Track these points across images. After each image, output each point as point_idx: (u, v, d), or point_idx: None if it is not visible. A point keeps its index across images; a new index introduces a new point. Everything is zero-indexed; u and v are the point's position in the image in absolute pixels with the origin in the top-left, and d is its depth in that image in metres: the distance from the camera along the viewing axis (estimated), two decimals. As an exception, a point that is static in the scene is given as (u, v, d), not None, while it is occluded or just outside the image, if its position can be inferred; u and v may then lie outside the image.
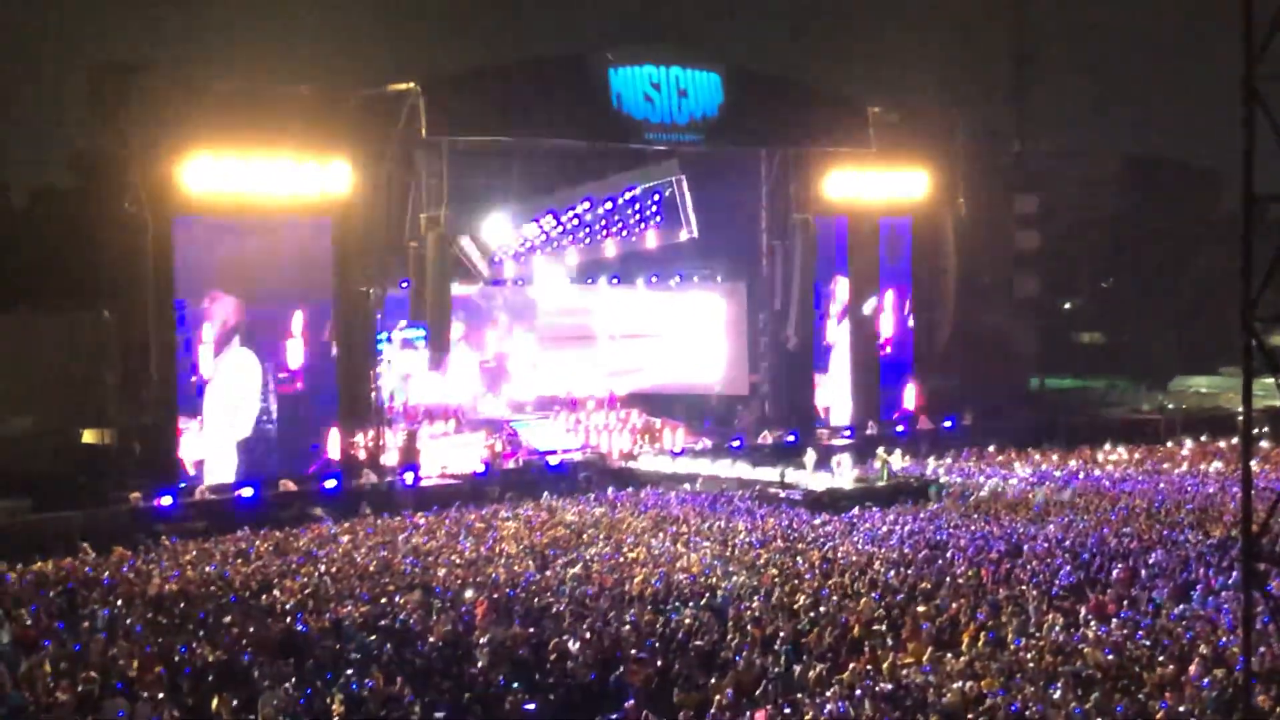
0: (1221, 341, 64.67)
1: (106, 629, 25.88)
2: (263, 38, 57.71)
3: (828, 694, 21.46)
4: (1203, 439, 54.82)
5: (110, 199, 42.00)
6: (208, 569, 31.65)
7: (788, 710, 20.68)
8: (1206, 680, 20.60)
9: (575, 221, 51.49)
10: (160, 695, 21.79)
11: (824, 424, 56.66)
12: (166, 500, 40.39)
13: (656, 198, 51.99)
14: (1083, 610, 26.27)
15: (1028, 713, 19.97)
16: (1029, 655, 23.03)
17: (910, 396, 59.46)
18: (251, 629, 25.52)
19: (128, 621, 26.37)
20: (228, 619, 26.25)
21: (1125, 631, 24.23)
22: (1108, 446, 52.56)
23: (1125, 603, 26.84)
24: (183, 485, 41.75)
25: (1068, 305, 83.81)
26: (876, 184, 56.44)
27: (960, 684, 21.40)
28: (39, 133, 55.79)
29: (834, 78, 61.26)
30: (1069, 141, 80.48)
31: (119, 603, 27.97)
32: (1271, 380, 16.77)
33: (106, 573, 31.40)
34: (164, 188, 41.49)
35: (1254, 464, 45.25)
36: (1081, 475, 45.76)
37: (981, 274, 63.37)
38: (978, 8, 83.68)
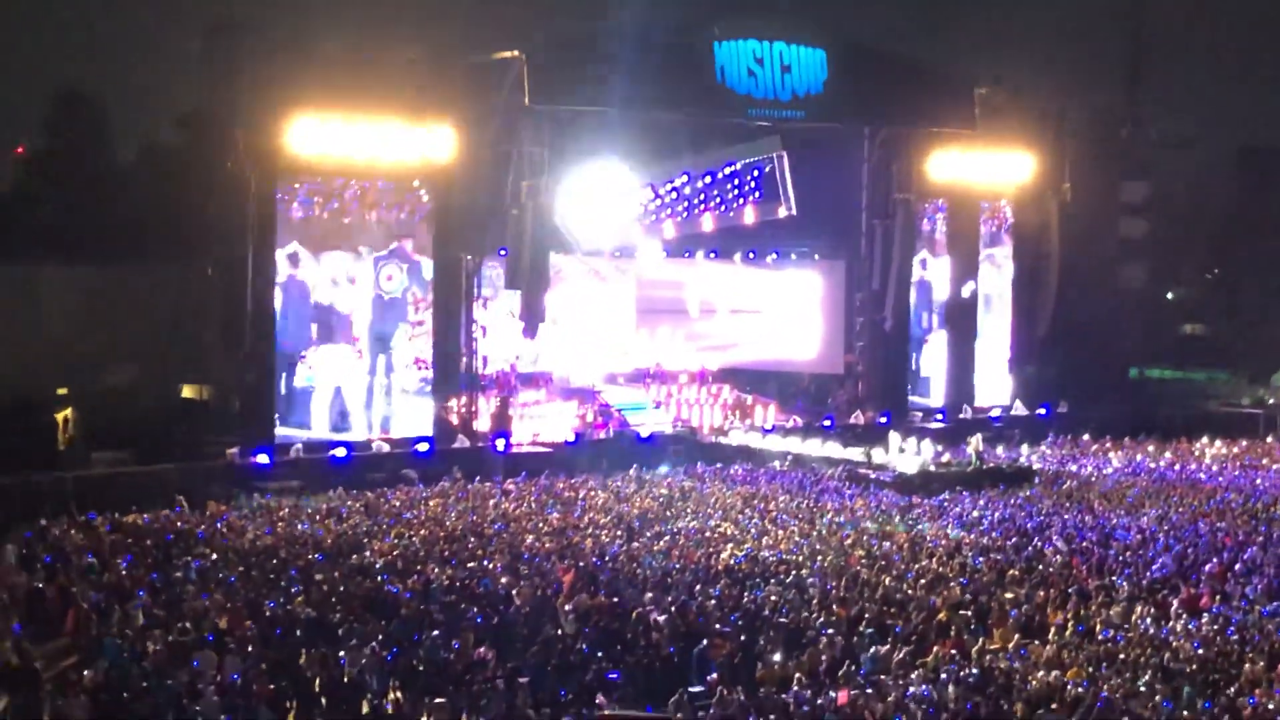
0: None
1: (199, 582, 26.30)
2: (371, 1, 57.98)
3: (911, 677, 21.39)
4: (1304, 435, 53.93)
5: (216, 158, 42.47)
6: (300, 526, 32.05)
7: (870, 691, 20.62)
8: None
9: (674, 195, 51.42)
10: (249, 648, 22.12)
11: (917, 406, 56.27)
12: (262, 457, 40.86)
13: (756, 173, 51.78)
14: (1174, 603, 25.95)
15: (1114, 704, 19.79)
16: (1117, 646, 22.81)
17: (1007, 382, 58.84)
18: (341, 587, 25.81)
19: (220, 575, 26.78)
20: (318, 576, 26.56)
21: (1216, 626, 23.94)
22: (1205, 440, 51.78)
23: (1218, 597, 26.50)
24: (278, 443, 42.22)
25: (1171, 295, 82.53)
26: (980, 166, 55.77)
27: (1046, 672, 21.26)
28: (149, 90, 56.48)
29: (941, 57, 60.46)
30: (1181, 129, 79.08)
31: (212, 556, 28.40)
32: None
33: (201, 526, 31.89)
34: (269, 148, 41.85)
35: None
36: (1177, 467, 45.17)
37: (1085, 261, 62.53)
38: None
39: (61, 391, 43.93)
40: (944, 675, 21.16)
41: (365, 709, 20.28)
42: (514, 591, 25.80)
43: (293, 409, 43.54)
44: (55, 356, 44.01)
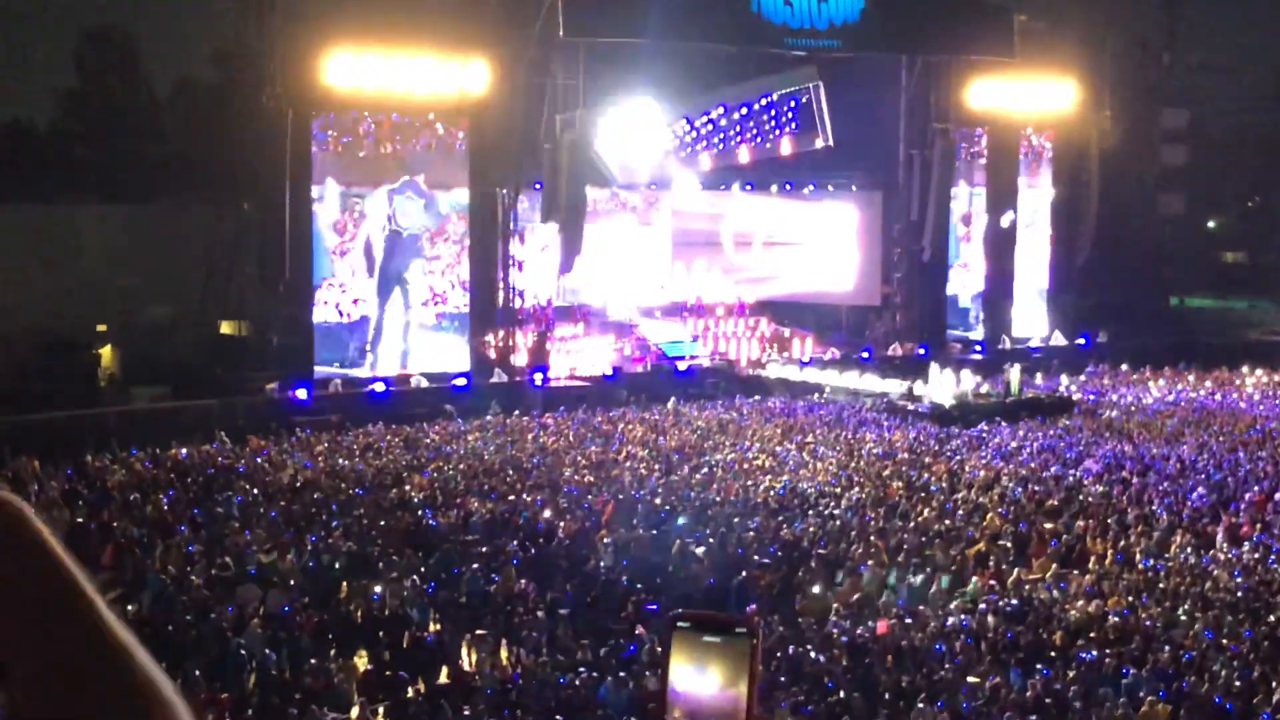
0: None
1: (240, 516, 26.50)
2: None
3: (951, 607, 21.41)
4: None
5: (251, 93, 42.45)
6: (340, 461, 32.23)
7: (910, 621, 20.66)
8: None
9: (709, 127, 51.12)
10: (291, 582, 22.29)
11: (955, 338, 56.09)
12: (301, 393, 41.03)
13: (793, 104, 51.39)
14: (1218, 532, 25.86)
15: (1154, 632, 19.78)
16: (1157, 576, 22.78)
17: (1045, 312, 58.57)
18: (381, 521, 25.97)
19: (261, 510, 26.97)
20: (358, 510, 26.73)
21: (1257, 555, 23.86)
22: (1246, 368, 51.48)
23: (1259, 526, 26.40)
24: (316, 378, 42.38)
25: (1212, 224, 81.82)
26: (1020, 94, 55.26)
27: (1086, 602, 21.25)
28: (183, 25, 56.36)
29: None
30: (1221, 56, 78.13)
31: (253, 491, 28.59)
32: None
33: (241, 461, 32.11)
34: (304, 83, 41.79)
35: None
36: (1218, 396, 44.94)
37: (1124, 189, 62.01)
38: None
39: (101, 328, 44.22)
40: (983, 605, 21.18)
41: (406, 641, 20.44)
42: (554, 524, 25.93)
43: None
44: (93, 294, 44.23)
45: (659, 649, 2.99)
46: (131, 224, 46.83)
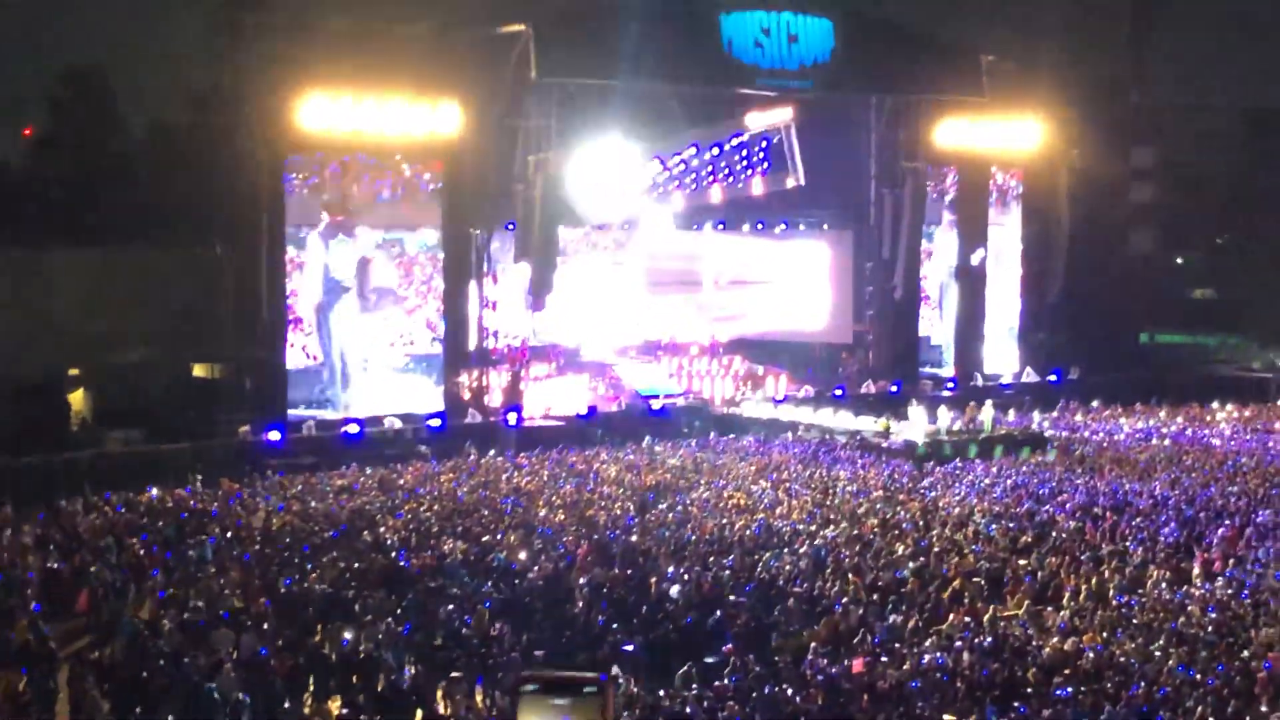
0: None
1: (214, 559, 26.39)
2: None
3: (926, 644, 21.44)
4: (1315, 398, 53.90)
5: (226, 135, 42.51)
6: (314, 503, 32.13)
7: (885, 659, 20.68)
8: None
9: (682, 167, 51.37)
10: (265, 626, 22.20)
11: (928, 375, 56.27)
12: (274, 435, 40.93)
13: (764, 144, 51.71)
14: (1194, 567, 25.95)
15: (1129, 668, 19.83)
16: (1131, 611, 22.85)
17: (1016, 350, 58.82)
18: (355, 563, 25.88)
19: (234, 553, 26.86)
20: (332, 553, 26.64)
21: (1230, 590, 23.96)
22: (1216, 404, 51.76)
23: (1231, 561, 26.52)
24: (290, 421, 42.28)
25: (1181, 260, 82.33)
26: (988, 133, 55.69)
27: (1060, 638, 21.31)
28: (158, 68, 56.34)
29: (948, 25, 60.23)
30: (1188, 94, 78.77)
31: (226, 534, 28.48)
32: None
33: (215, 504, 32.00)
34: (278, 125, 41.87)
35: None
36: (1189, 432, 45.16)
37: (1094, 227, 62.39)
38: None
39: (73, 372, 44.03)
40: (958, 642, 21.21)
41: (382, 684, 20.36)
42: (529, 564, 25.88)
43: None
44: (66, 338, 44.00)
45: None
46: (104, 267, 46.60)
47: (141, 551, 26.94)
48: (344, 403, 44.37)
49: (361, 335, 45.06)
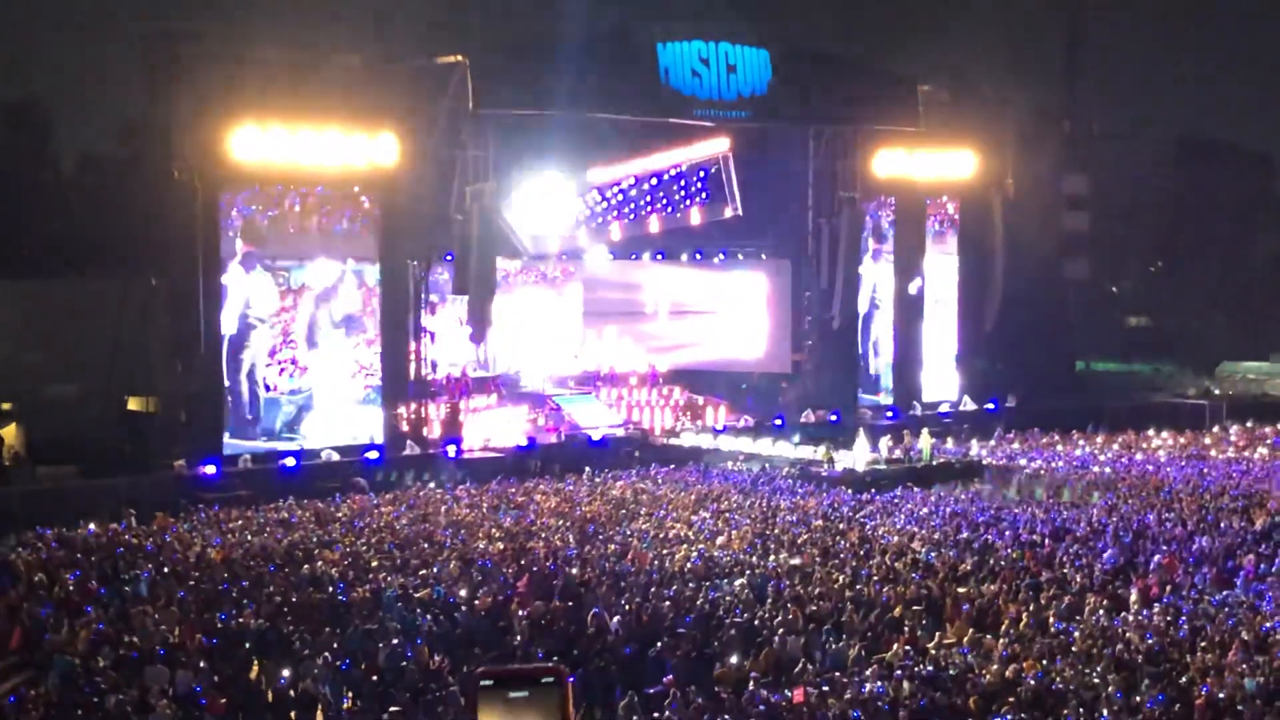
0: (1273, 326, 64.00)
1: (149, 595, 26.07)
2: (310, 7, 57.67)
3: (866, 673, 21.43)
4: (1249, 425, 54.40)
5: (158, 168, 42.09)
6: (250, 537, 31.80)
7: (826, 689, 20.65)
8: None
9: (620, 197, 51.47)
10: (201, 663, 21.93)
11: (866, 403, 56.46)
12: (210, 469, 40.54)
13: (702, 174, 51.89)
14: (1132, 594, 26.08)
15: (1068, 695, 19.89)
16: (1070, 638, 22.93)
17: (954, 378, 59.11)
18: (293, 598, 25.64)
19: (169, 588, 26.54)
20: (269, 588, 26.38)
21: (1168, 617, 24.09)
22: (1152, 431, 52.20)
23: (1168, 588, 26.68)
24: (225, 454, 41.87)
25: (1115, 288, 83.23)
26: (925, 163, 56.02)
27: (1000, 666, 21.35)
28: (88, 102, 56.05)
29: (884, 55, 60.67)
30: (1120, 123, 79.79)
31: (162, 569, 28.15)
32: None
33: (149, 540, 31.61)
34: (212, 157, 41.52)
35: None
36: (1125, 460, 45.49)
37: (1029, 255, 62.92)
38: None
39: (5, 406, 43.53)
40: (898, 671, 21.21)
41: (319, 719, 20.15)
42: (468, 597, 25.72)
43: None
44: (-2, 371, 43.69)
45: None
46: (36, 300, 46.24)
47: (74, 588, 26.58)
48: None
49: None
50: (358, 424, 44.59)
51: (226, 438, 42.49)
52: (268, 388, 43.35)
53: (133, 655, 22.18)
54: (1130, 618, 24.37)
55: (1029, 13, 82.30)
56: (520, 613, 24.69)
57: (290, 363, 43.81)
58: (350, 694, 21.03)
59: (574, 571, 27.77)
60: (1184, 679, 20.59)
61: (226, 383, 42.70)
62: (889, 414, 55.65)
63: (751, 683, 20.99)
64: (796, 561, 28.62)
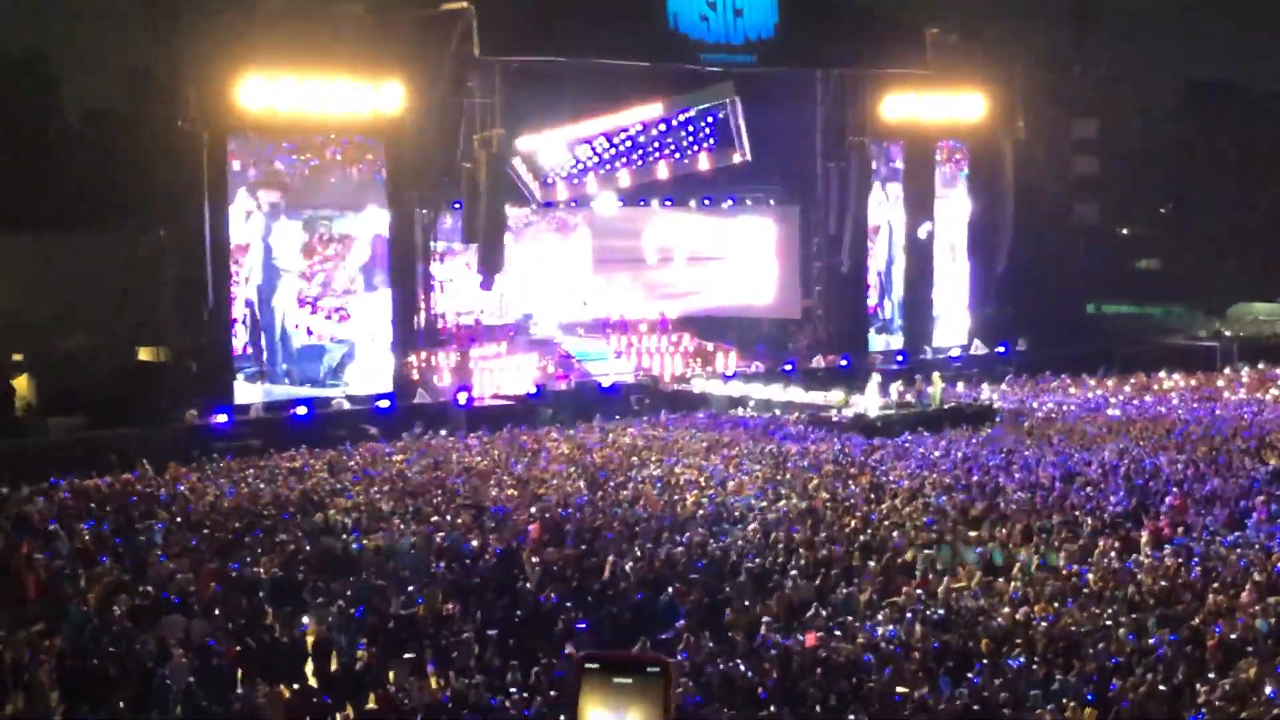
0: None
1: (162, 545, 26.16)
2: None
3: (878, 618, 21.49)
4: (1260, 366, 54.29)
5: (164, 118, 42.02)
6: (262, 486, 31.90)
7: (838, 633, 20.71)
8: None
9: (628, 143, 51.19)
10: (215, 610, 22.03)
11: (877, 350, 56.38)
12: (221, 418, 40.61)
13: (710, 120, 51.55)
14: (1143, 536, 26.10)
15: (1080, 637, 19.94)
16: (1083, 580, 22.97)
17: (964, 322, 59.01)
18: (305, 546, 25.73)
19: (183, 538, 26.64)
20: (282, 536, 26.47)
21: (1179, 558, 24.11)
22: (1163, 373, 52.10)
23: (1179, 529, 26.69)
24: (237, 404, 41.96)
25: (1125, 231, 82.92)
26: (933, 106, 55.68)
27: (1012, 609, 21.40)
28: (93, 53, 55.77)
29: (891, -1, 60.31)
30: (1131, 65, 79.22)
31: (175, 519, 28.24)
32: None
33: (162, 489, 31.72)
34: (218, 106, 41.42)
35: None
36: (1136, 402, 45.44)
37: (1039, 199, 62.67)
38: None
39: (16, 358, 43.59)
40: (909, 615, 21.27)
41: (334, 666, 20.25)
42: (480, 544, 25.79)
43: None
44: (8, 325, 43.65)
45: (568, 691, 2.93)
46: (45, 253, 46.19)
47: (89, 538, 26.68)
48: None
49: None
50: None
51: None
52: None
53: (148, 605, 22.29)
54: (1142, 560, 24.39)
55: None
56: (532, 559, 24.77)
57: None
58: (364, 641, 21.12)
59: (585, 518, 27.83)
60: (1195, 620, 20.63)
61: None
62: (899, 358, 55.55)
63: (763, 627, 21.05)
64: (807, 506, 28.66)
